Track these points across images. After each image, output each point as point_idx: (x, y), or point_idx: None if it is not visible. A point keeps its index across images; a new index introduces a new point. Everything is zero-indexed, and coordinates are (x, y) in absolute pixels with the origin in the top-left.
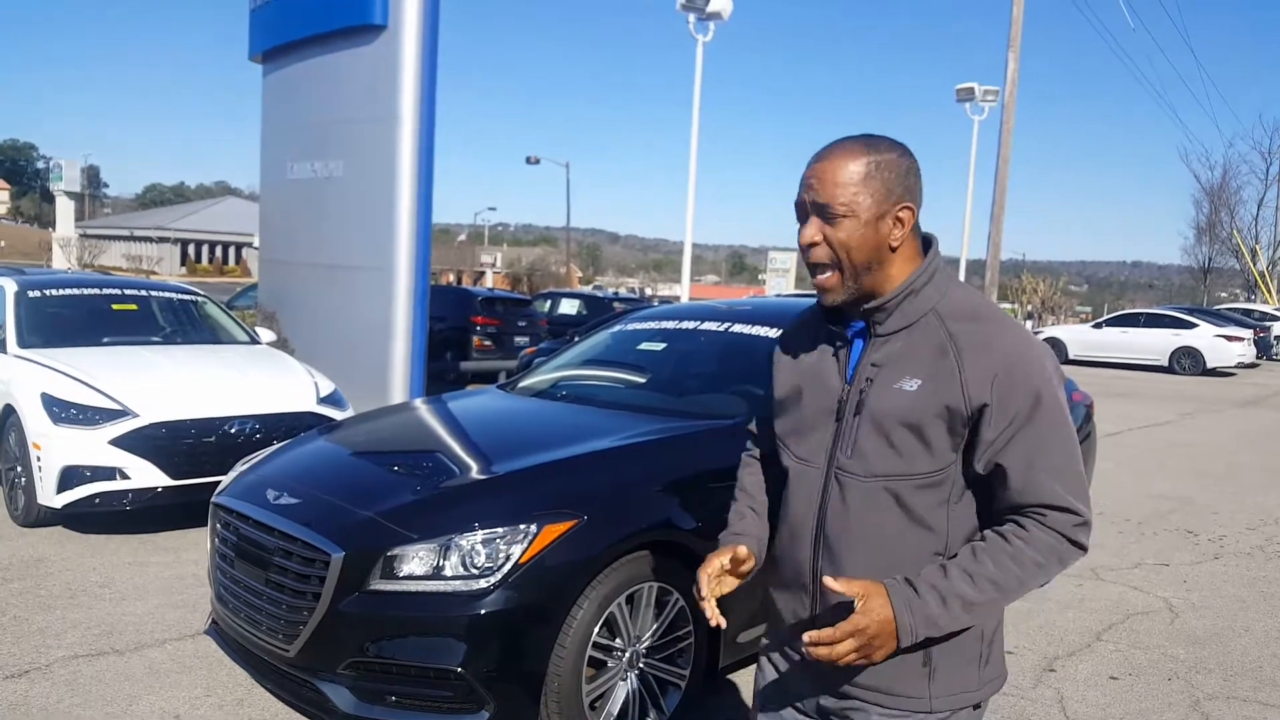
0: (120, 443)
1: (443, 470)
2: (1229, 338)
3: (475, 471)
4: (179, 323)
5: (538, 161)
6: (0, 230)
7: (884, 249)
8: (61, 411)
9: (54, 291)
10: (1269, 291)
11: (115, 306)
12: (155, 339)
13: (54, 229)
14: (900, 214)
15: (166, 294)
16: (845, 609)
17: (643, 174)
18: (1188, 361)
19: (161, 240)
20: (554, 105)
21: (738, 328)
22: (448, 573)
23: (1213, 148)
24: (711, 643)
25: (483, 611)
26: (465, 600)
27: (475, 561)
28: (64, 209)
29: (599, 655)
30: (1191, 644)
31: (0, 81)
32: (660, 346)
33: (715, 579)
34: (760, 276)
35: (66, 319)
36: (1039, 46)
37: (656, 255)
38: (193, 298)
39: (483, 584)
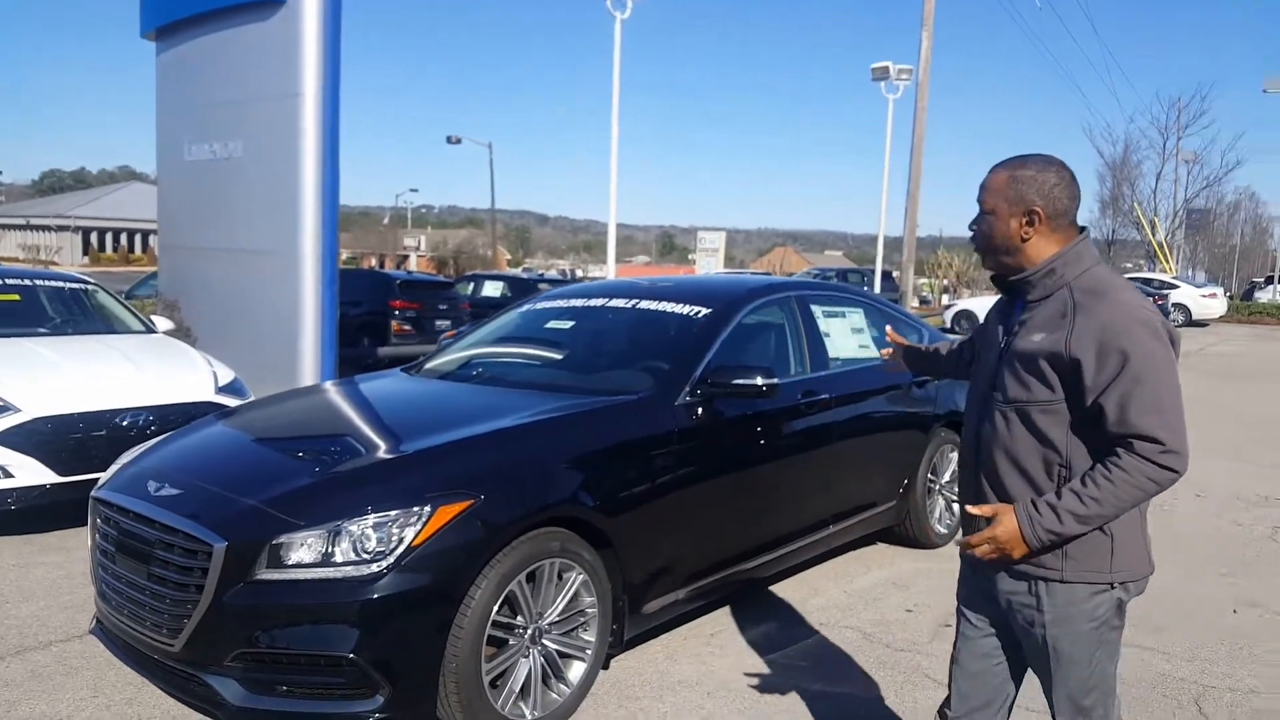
0: (2, 440)
1: (334, 454)
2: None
3: (368, 455)
4: (68, 313)
5: (459, 141)
6: None
7: (1014, 240)
8: None
9: None
10: (1167, 261)
11: None
12: (41, 330)
13: None
14: (1030, 215)
15: (54, 283)
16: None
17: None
18: None
19: (61, 229)
20: (477, 85)
21: (645, 304)
22: (338, 559)
23: (1115, 124)
24: (617, 614)
25: (374, 596)
26: (356, 586)
27: (366, 546)
28: None
29: (500, 634)
30: None
31: None
32: (568, 325)
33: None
34: (690, 256)
35: None
36: (952, 25)
37: (587, 236)
38: (83, 286)
39: (374, 569)
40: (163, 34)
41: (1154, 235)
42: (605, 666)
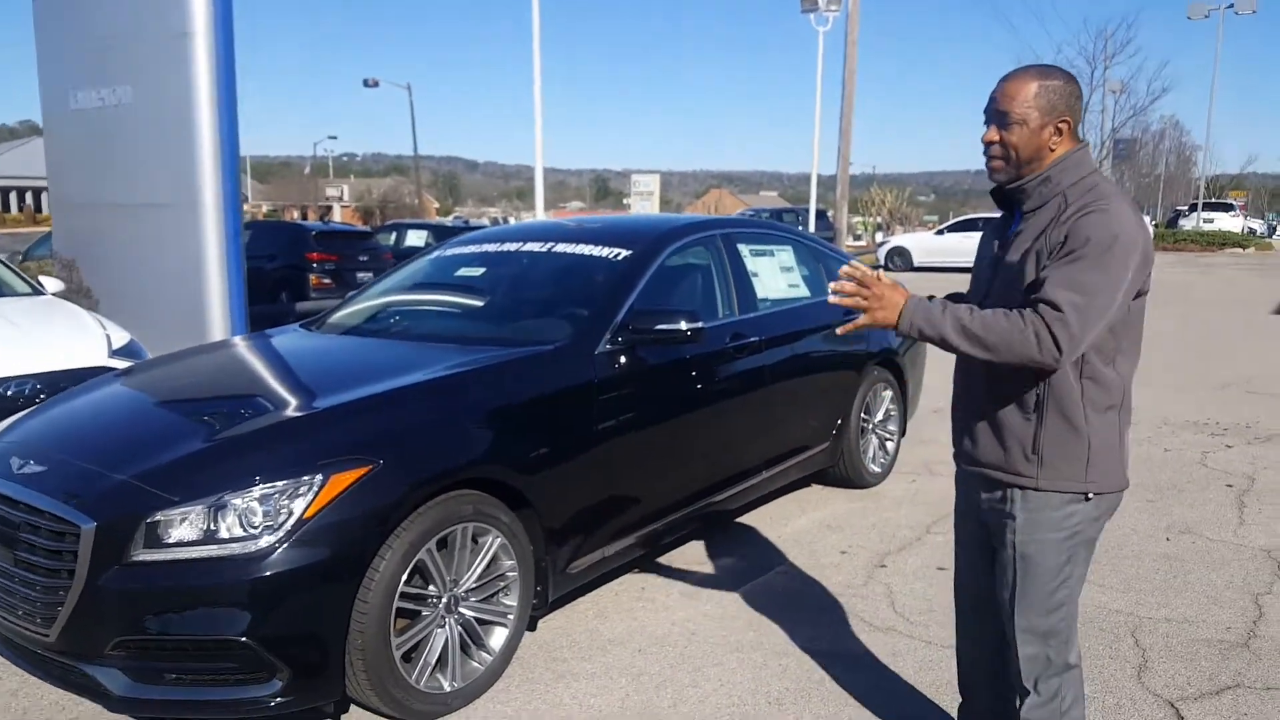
0: None
1: (217, 421)
2: None
3: (254, 420)
4: None
5: (376, 84)
6: None
7: (1044, 150)
8: None
9: None
10: None
11: None
12: None
13: None
14: (1060, 125)
15: None
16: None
17: (498, 99)
18: None
19: None
20: (395, 27)
21: (562, 248)
22: (223, 535)
23: (1044, 54)
24: (540, 576)
25: (264, 574)
26: (244, 563)
27: (253, 521)
28: None
29: (411, 605)
30: None
31: None
32: (480, 271)
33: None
34: (625, 200)
35: None
36: None
37: (519, 183)
38: None
39: (262, 544)
40: None
41: None
42: (532, 629)
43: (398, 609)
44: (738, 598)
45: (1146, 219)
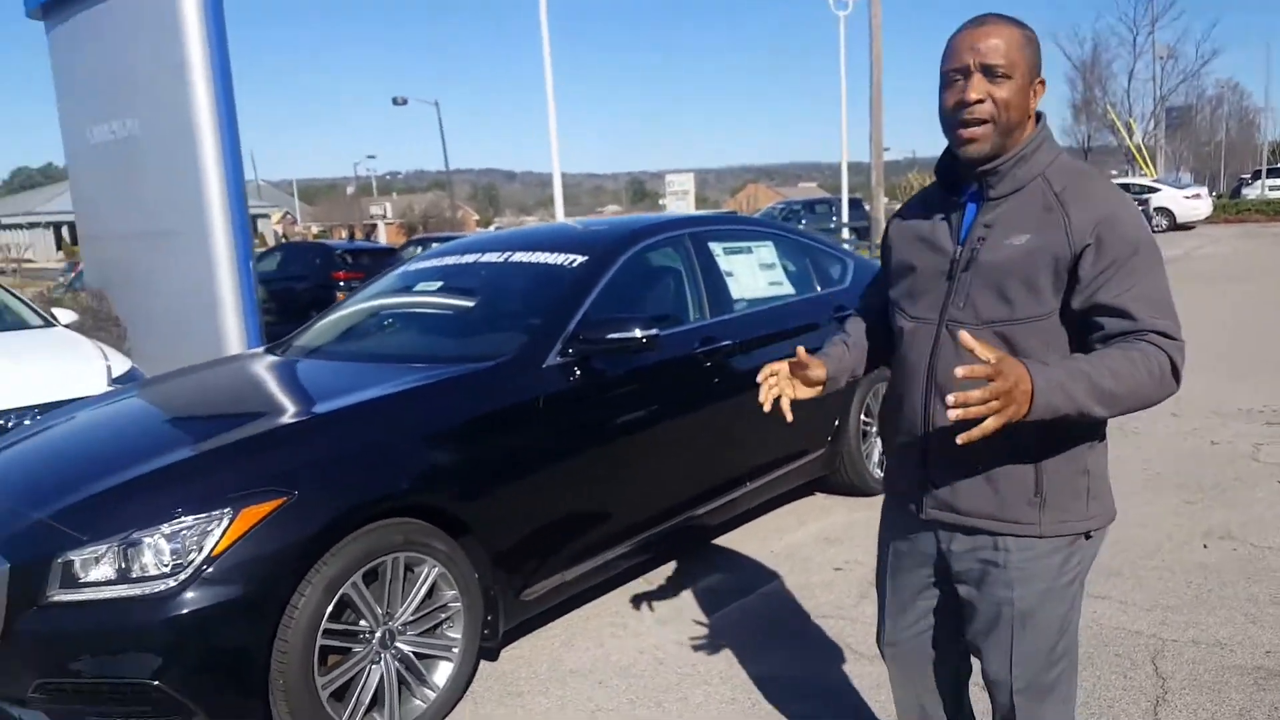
0: None
1: (140, 455)
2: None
3: (174, 453)
4: None
5: (405, 102)
6: None
7: (1027, 111)
8: None
9: None
10: (1146, 164)
11: None
12: None
13: None
14: (1038, 85)
15: None
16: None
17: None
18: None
19: (32, 225)
20: (425, 46)
21: (519, 257)
22: (135, 574)
23: (1081, 23)
24: (490, 605)
25: (172, 615)
26: (154, 604)
27: (163, 559)
28: None
29: (341, 642)
30: None
31: None
32: (435, 286)
33: (782, 378)
34: (661, 201)
35: None
36: None
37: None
38: None
39: (171, 584)
40: (49, 11)
41: (1130, 138)
42: (493, 658)
43: (326, 646)
44: (713, 623)
45: (1204, 190)
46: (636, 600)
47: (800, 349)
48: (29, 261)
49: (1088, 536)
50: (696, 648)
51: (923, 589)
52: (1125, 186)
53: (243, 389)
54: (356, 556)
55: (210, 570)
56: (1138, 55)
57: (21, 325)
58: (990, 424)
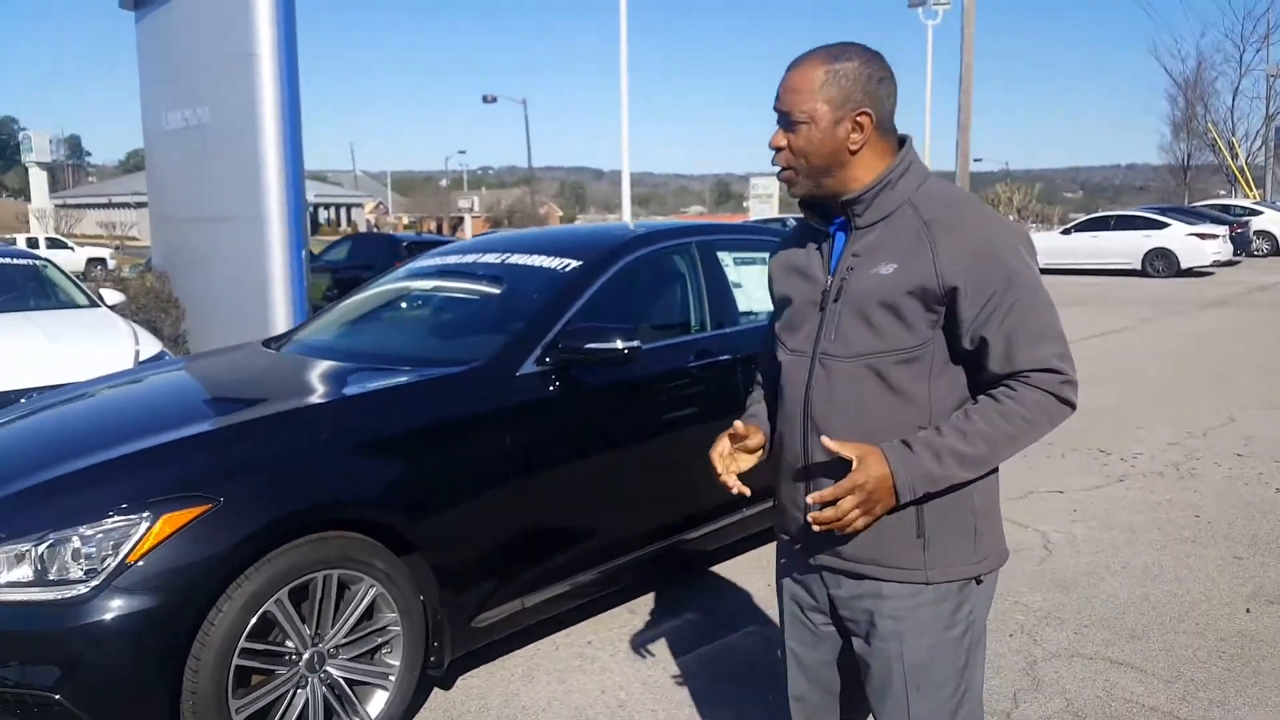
0: None
1: (75, 452)
2: (1203, 236)
3: (108, 450)
4: (11, 289)
5: (494, 100)
6: None
7: (842, 152)
8: None
9: None
10: (1248, 186)
11: None
12: None
13: (29, 201)
14: (859, 119)
15: (6, 260)
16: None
17: (626, 107)
18: (1161, 263)
19: (140, 205)
20: (515, 43)
21: (515, 259)
22: (51, 577)
23: (1184, 39)
24: (436, 632)
25: (79, 623)
26: (62, 610)
27: (79, 563)
28: (37, 180)
29: (263, 663)
30: (1053, 589)
31: None
32: (430, 285)
33: (727, 458)
34: (744, 203)
35: None
36: None
37: (642, 189)
38: (31, 263)
39: (82, 590)
40: (138, 1)
41: (1233, 160)
42: (447, 686)
43: (245, 666)
44: (687, 663)
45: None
46: (613, 630)
47: (737, 423)
48: (133, 240)
49: (978, 581)
50: (662, 690)
51: (822, 639)
52: (1225, 208)
53: (198, 387)
54: (283, 571)
55: (123, 578)
56: (1244, 72)
57: (70, 304)
58: (859, 525)
